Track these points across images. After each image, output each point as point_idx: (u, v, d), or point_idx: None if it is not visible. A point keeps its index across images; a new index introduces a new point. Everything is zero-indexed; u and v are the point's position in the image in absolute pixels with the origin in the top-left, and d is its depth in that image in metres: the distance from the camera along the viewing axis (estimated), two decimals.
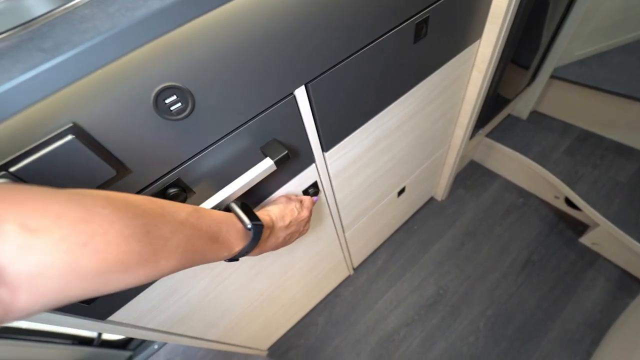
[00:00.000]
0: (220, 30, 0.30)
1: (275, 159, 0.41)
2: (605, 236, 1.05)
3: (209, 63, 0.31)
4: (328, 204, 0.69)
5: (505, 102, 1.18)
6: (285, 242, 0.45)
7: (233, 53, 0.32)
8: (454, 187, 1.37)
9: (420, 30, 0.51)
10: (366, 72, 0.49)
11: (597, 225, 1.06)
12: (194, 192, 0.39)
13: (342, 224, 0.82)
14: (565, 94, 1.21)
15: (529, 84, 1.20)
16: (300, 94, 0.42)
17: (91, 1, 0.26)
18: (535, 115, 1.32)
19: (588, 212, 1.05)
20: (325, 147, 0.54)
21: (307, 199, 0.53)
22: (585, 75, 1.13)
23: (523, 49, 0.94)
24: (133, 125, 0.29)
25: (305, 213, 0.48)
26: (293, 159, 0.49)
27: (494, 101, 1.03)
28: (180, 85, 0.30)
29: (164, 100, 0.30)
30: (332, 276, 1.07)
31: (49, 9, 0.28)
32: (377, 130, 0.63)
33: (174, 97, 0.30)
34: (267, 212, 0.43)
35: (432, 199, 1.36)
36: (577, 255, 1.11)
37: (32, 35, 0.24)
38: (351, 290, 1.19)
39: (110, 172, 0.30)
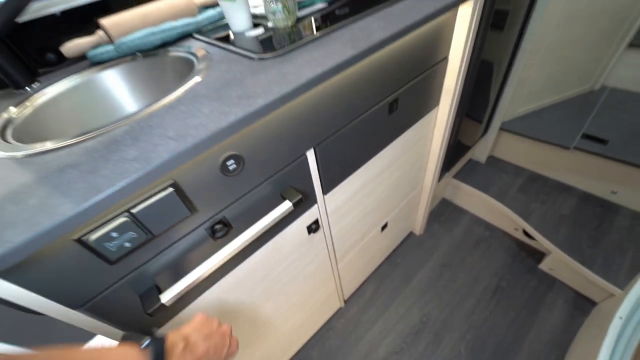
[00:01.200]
0: (266, 122, 0.46)
1: (293, 202, 0.55)
2: (558, 262, 1.23)
3: (257, 140, 0.46)
4: (325, 237, 0.82)
5: (466, 148, 1.41)
6: (211, 355, 0.40)
7: (271, 133, 0.48)
8: (430, 223, 1.54)
9: (392, 106, 0.70)
10: (356, 136, 0.66)
11: (550, 252, 1.24)
12: (232, 227, 0.52)
13: (335, 256, 0.94)
14: (513, 143, 1.47)
15: (483, 135, 1.45)
16: (310, 153, 0.58)
17: (182, 98, 0.42)
18: (492, 159, 1.57)
19: (541, 241, 1.24)
20: (325, 191, 0.69)
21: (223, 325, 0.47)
22: (526, 128, 1.40)
23: (475, 107, 1.20)
24: (205, 181, 0.43)
25: (224, 327, 0.45)
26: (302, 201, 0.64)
27: (456, 148, 1.25)
28: (238, 153, 0.45)
29: (226, 163, 0.44)
30: (325, 308, 1.15)
31: (149, 102, 0.43)
32: (364, 177, 0.79)
33: (233, 161, 0.45)
34: (178, 328, 0.41)
35: (411, 233, 1.51)
36: (538, 281, 1.27)
37: (150, 122, 0.39)
38: (342, 322, 1.26)
39: (186, 212, 0.43)
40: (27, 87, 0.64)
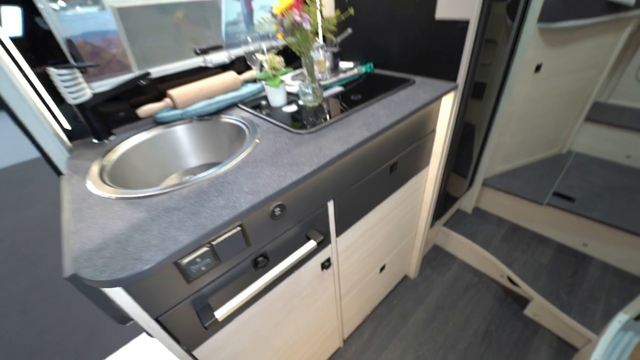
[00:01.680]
0: (306, 183, 0.62)
1: (317, 241, 0.69)
2: (540, 307, 1.34)
3: (296, 192, 0.62)
4: (334, 275, 0.95)
5: (454, 200, 1.60)
6: None
7: (306, 188, 0.64)
8: (423, 267, 1.66)
9: (392, 167, 0.89)
10: (364, 190, 0.83)
11: (532, 298, 1.36)
12: (269, 260, 0.66)
13: (340, 292, 1.05)
14: (495, 197, 1.67)
15: (468, 188, 1.65)
16: (330, 203, 0.74)
17: (245, 160, 0.58)
18: (477, 210, 1.75)
19: (524, 287, 1.36)
20: (338, 233, 0.84)
21: None
22: (505, 184, 1.61)
23: (461, 164, 1.40)
24: (258, 223, 0.58)
25: None
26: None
27: (445, 199, 1.43)
28: (283, 203, 0.60)
29: (274, 210, 0.60)
30: (326, 346, 1.22)
31: (218, 160, 0.59)
32: (368, 222, 0.95)
33: (279, 209, 0.60)
34: None
35: (406, 277, 1.62)
36: (524, 325, 1.37)
37: (227, 179, 0.55)
38: None
39: (244, 246, 0.57)
40: (105, 140, 0.81)
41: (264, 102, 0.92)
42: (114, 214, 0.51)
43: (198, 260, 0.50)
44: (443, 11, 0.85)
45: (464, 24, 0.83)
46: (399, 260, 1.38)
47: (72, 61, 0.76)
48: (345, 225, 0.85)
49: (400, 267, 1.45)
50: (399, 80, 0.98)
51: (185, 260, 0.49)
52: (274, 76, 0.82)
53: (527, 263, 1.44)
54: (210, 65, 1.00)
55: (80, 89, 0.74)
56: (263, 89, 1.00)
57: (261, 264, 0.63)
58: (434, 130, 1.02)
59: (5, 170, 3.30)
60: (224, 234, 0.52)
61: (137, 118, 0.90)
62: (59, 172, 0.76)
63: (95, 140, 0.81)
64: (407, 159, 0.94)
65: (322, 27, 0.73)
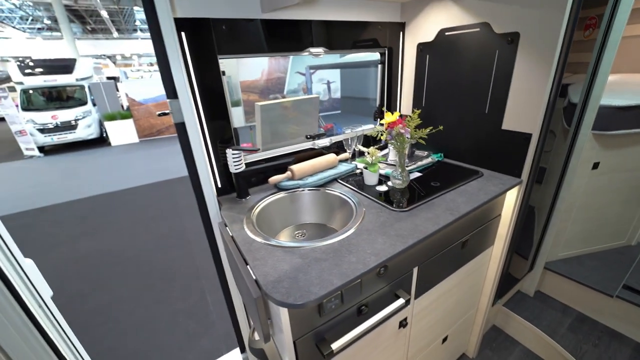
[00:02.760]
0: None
1: (405, 299, 0.86)
2: None
3: (394, 256, 0.82)
4: (407, 336, 1.06)
5: (515, 281, 1.63)
6: None
7: (402, 256, 0.84)
8: (482, 348, 1.63)
9: (464, 244, 1.05)
10: (441, 261, 0.99)
11: None
12: (369, 309, 0.83)
13: (407, 356, 1.13)
14: (558, 282, 1.66)
15: (530, 270, 1.68)
16: (415, 269, 0.92)
17: (360, 229, 0.81)
18: (539, 294, 1.73)
19: None
20: (416, 296, 0.99)
21: None
22: (568, 271, 1.62)
23: (523, 246, 1.48)
24: (369, 279, 0.78)
25: None
26: None
27: (507, 279, 1.49)
28: (387, 264, 0.80)
29: (380, 269, 0.79)
30: None
31: (323, 221, 0.82)
32: (439, 291, 1.08)
33: (383, 269, 0.80)
34: None
35: (464, 355, 1.60)
36: None
37: (351, 242, 0.77)
38: None
39: (359, 294, 0.76)
40: (243, 199, 1.11)
41: (359, 180, 1.19)
42: (277, 258, 0.75)
43: (332, 299, 0.70)
44: (509, 124, 1.09)
45: (528, 135, 1.05)
46: (460, 334, 1.42)
47: (235, 144, 1.12)
48: (422, 289, 1.00)
49: (460, 341, 1.47)
50: (469, 171, 1.19)
51: (325, 299, 0.69)
52: (373, 164, 1.09)
53: (601, 359, 1.37)
54: (316, 147, 1.32)
55: (240, 162, 1.07)
56: (355, 168, 1.28)
57: (364, 312, 0.81)
58: (499, 215, 1.19)
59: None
60: (351, 282, 0.72)
61: (263, 182, 1.21)
62: (207, 217, 1.06)
63: (237, 198, 1.12)
64: (475, 238, 1.10)
65: (415, 136, 1.01)
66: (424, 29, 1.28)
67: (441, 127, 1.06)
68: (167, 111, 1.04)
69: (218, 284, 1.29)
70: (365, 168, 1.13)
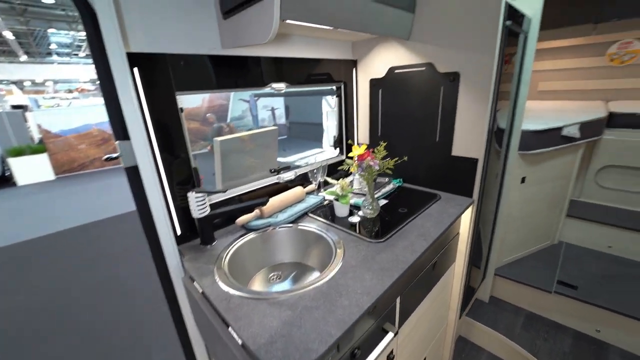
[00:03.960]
0: None
1: (394, 333, 0.84)
2: None
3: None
4: None
5: (474, 290, 1.75)
6: None
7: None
8: None
9: (435, 266, 1.10)
10: (418, 285, 1.02)
11: None
12: (360, 350, 0.79)
13: None
14: (507, 285, 1.84)
15: (483, 279, 1.83)
16: (398, 299, 0.92)
17: (345, 266, 0.79)
18: (493, 299, 1.89)
19: None
20: (399, 325, 0.98)
21: None
22: (514, 274, 1.81)
23: (476, 258, 1.61)
24: (359, 321, 0.75)
25: None
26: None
27: (468, 290, 1.59)
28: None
29: (368, 308, 0.77)
30: None
31: (299, 260, 0.79)
32: (417, 315, 1.10)
33: (372, 306, 0.78)
34: None
35: None
36: None
37: (339, 282, 0.74)
38: None
39: (352, 336, 0.72)
40: (209, 245, 1.01)
41: (328, 211, 1.18)
42: (263, 313, 0.68)
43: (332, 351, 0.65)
44: (458, 151, 1.22)
45: (475, 160, 1.17)
46: (436, 352, 1.45)
47: (196, 185, 1.02)
48: (404, 317, 1.00)
49: (436, 359, 1.50)
50: (428, 195, 1.28)
51: (329, 353, 0.64)
52: (344, 195, 1.10)
53: (552, 352, 1.53)
54: (281, 181, 1.29)
55: (205, 206, 0.97)
56: (323, 200, 1.27)
57: (357, 355, 0.77)
58: (458, 233, 1.28)
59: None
60: (350, 329, 0.69)
61: (229, 224, 1.12)
62: (165, 270, 0.93)
63: (202, 245, 1.01)
64: (442, 258, 1.17)
65: (383, 168, 1.05)
66: (375, 66, 1.39)
67: (405, 158, 1.12)
68: (114, 155, 0.91)
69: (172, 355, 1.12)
70: (336, 200, 1.13)
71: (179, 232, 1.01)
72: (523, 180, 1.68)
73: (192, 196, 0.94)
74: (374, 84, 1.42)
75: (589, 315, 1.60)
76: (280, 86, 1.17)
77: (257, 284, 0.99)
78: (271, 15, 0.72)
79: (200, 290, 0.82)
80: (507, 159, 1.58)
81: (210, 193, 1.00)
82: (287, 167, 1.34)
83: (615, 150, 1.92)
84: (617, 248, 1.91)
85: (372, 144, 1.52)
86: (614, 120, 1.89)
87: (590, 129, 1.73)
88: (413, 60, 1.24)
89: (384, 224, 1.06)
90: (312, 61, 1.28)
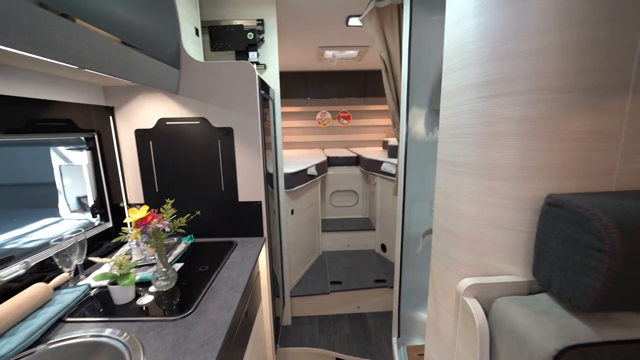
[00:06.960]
0: None
1: None
2: None
3: None
4: None
5: (279, 319, 1.89)
6: None
7: None
8: None
9: (247, 313, 1.09)
10: (238, 341, 0.96)
11: None
12: None
13: None
14: (300, 303, 2.15)
15: (284, 305, 2.03)
16: None
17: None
18: (294, 319, 2.14)
19: (348, 359, 1.80)
20: None
21: None
22: (301, 290, 2.15)
23: (275, 289, 1.76)
24: None
25: None
26: None
27: (276, 323, 1.69)
28: None
29: None
30: None
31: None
32: None
33: None
34: None
35: None
36: None
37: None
38: None
39: None
40: None
41: (102, 303, 0.86)
42: None
43: None
44: (244, 196, 1.32)
45: (259, 202, 1.32)
46: None
47: None
48: None
49: None
50: (225, 244, 1.27)
51: None
52: (126, 274, 0.85)
53: (341, 338, 1.94)
54: None
55: None
56: (89, 289, 0.91)
57: None
58: (259, 272, 1.36)
59: None
60: None
61: None
62: None
63: None
64: (251, 302, 1.18)
65: (175, 228, 0.91)
66: (141, 115, 1.24)
67: (199, 212, 1.06)
68: None
69: None
70: (113, 284, 0.85)
71: None
72: (292, 212, 2.09)
73: None
74: (141, 135, 1.25)
75: (352, 299, 2.20)
76: None
77: None
78: None
79: None
80: (279, 197, 1.90)
81: None
82: (8, 259, 0.85)
83: (335, 181, 2.87)
84: (352, 244, 2.79)
85: (150, 203, 1.31)
86: (330, 161, 2.83)
87: (322, 168, 2.48)
88: (186, 113, 1.23)
89: (186, 291, 0.93)
90: (39, 103, 0.93)
